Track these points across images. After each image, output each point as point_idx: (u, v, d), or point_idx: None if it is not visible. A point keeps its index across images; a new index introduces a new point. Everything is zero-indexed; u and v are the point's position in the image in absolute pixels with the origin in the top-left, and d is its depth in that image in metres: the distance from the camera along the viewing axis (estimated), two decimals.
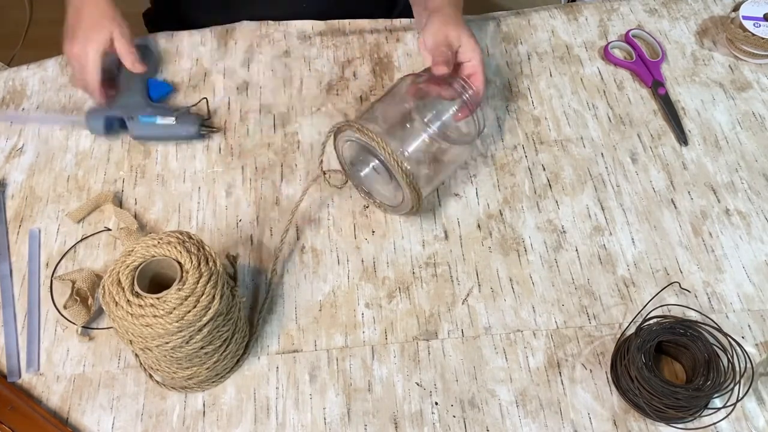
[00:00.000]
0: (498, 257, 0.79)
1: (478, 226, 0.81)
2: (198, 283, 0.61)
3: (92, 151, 0.89)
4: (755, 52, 0.93)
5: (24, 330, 0.75)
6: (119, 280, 0.61)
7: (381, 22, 1.01)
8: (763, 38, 0.91)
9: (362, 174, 0.81)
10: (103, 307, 0.62)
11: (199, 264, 0.62)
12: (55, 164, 0.88)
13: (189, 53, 0.98)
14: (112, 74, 0.89)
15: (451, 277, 0.78)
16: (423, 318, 0.75)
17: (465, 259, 0.79)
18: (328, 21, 1.00)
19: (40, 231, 0.82)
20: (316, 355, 0.73)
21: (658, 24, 1.00)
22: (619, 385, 0.69)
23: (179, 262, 0.62)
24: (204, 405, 0.70)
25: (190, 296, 0.60)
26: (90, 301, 0.75)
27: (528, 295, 0.76)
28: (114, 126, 0.88)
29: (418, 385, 0.71)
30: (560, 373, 0.71)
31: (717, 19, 1.00)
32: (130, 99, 0.88)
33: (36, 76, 0.97)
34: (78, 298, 0.74)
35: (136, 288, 0.61)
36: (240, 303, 0.69)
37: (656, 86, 0.91)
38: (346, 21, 1.01)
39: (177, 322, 0.60)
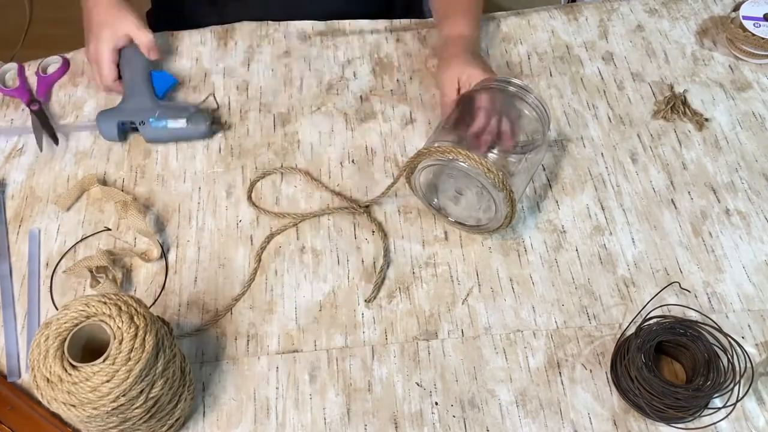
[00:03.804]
0: (498, 257, 0.79)
1: None
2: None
3: (92, 152, 0.89)
4: (755, 52, 0.93)
5: (24, 330, 0.75)
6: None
7: (381, 23, 1.01)
8: (763, 38, 0.91)
9: (440, 198, 0.80)
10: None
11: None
12: (54, 164, 0.88)
13: (189, 53, 0.98)
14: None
15: (451, 277, 0.77)
16: (423, 318, 0.75)
17: (465, 259, 0.79)
18: (328, 21, 1.00)
19: (40, 231, 0.82)
20: (316, 355, 0.73)
21: (658, 24, 1.00)
22: (619, 385, 0.69)
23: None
24: (204, 405, 0.70)
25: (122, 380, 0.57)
26: (113, 275, 0.76)
27: (528, 295, 0.76)
28: (126, 129, 0.89)
29: (418, 385, 0.71)
30: (560, 373, 0.71)
31: (717, 19, 1.00)
32: (138, 101, 0.88)
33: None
34: (104, 275, 0.76)
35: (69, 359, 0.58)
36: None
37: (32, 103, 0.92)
38: (346, 21, 1.01)
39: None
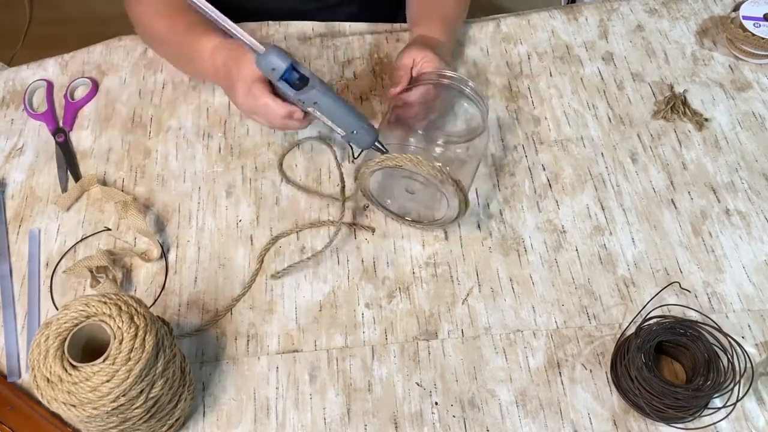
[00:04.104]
0: (498, 257, 0.79)
1: (478, 226, 0.81)
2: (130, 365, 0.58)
3: (92, 151, 0.89)
4: (755, 52, 0.93)
5: (24, 330, 0.75)
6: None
7: (381, 25, 1.01)
8: (763, 38, 0.91)
9: (390, 200, 0.80)
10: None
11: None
12: (54, 164, 0.88)
13: None
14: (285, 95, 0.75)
15: (451, 277, 0.78)
16: (423, 318, 0.75)
17: (465, 259, 0.79)
18: (329, 23, 1.00)
19: (40, 231, 0.82)
20: (316, 355, 0.73)
21: (658, 24, 1.00)
22: (619, 385, 0.69)
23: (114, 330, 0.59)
24: (204, 405, 0.70)
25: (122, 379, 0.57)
26: (113, 274, 0.76)
27: (528, 295, 0.76)
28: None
29: (418, 385, 0.71)
30: (560, 373, 0.71)
31: (717, 19, 1.00)
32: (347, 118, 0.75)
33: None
34: (104, 275, 0.76)
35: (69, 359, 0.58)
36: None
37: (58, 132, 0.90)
38: (347, 24, 1.01)
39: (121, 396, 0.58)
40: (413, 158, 0.70)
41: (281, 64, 0.70)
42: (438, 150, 0.76)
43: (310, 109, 0.74)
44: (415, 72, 0.81)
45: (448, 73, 0.79)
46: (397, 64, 0.82)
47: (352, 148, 0.77)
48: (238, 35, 0.69)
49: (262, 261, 0.79)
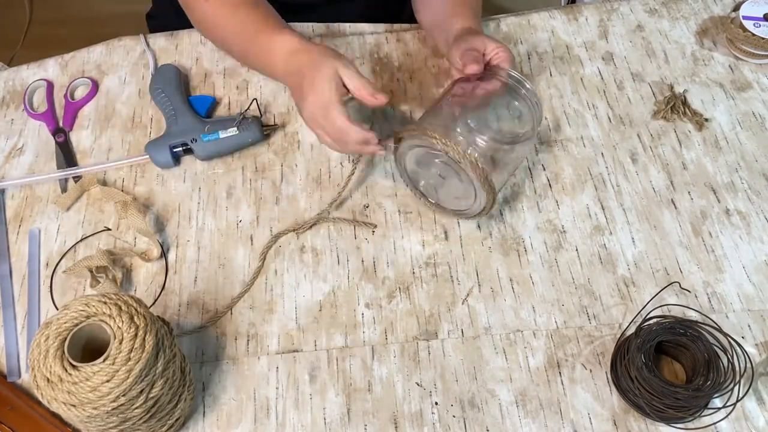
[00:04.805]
0: (498, 257, 0.79)
1: (478, 226, 0.81)
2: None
3: (92, 151, 0.89)
4: (755, 52, 0.93)
5: (24, 330, 0.75)
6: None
7: (381, 25, 1.01)
8: (763, 38, 0.91)
9: (425, 183, 0.80)
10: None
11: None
12: (54, 164, 0.88)
13: (189, 53, 0.98)
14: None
15: (451, 277, 0.78)
16: (423, 318, 0.75)
17: (465, 259, 0.79)
18: (330, 24, 1.00)
19: (40, 231, 0.82)
20: (316, 355, 0.73)
21: (658, 24, 1.00)
22: (619, 385, 0.69)
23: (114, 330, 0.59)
24: (204, 405, 0.70)
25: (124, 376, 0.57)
26: (113, 274, 0.76)
27: (528, 295, 0.76)
28: (179, 153, 0.86)
29: (418, 385, 0.71)
30: (560, 373, 0.71)
31: (717, 19, 1.00)
32: (184, 122, 0.87)
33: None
34: (104, 275, 0.76)
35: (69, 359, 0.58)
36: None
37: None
38: (347, 24, 1.01)
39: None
40: (450, 144, 0.70)
41: (166, 159, 0.84)
42: (481, 143, 0.76)
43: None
44: (488, 60, 0.80)
45: (517, 75, 0.79)
46: (472, 45, 0.79)
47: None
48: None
49: (264, 259, 0.79)
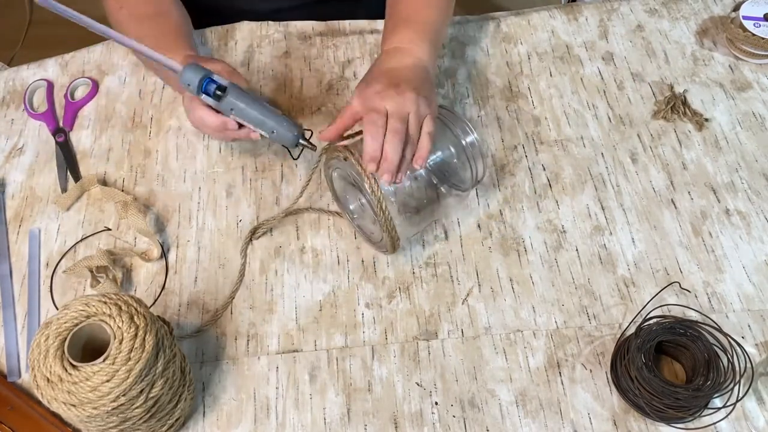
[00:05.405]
0: (498, 257, 0.79)
1: (478, 226, 0.81)
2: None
3: (92, 151, 0.89)
4: (755, 52, 0.93)
5: (24, 330, 0.75)
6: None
7: (380, 23, 1.01)
8: (763, 38, 0.91)
9: (351, 207, 0.79)
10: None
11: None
12: (54, 164, 0.88)
13: None
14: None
15: (451, 277, 0.78)
16: (423, 318, 0.75)
17: (465, 259, 0.79)
18: (329, 22, 1.00)
19: (40, 231, 0.82)
20: (316, 355, 0.73)
21: (658, 24, 1.00)
22: (619, 385, 0.69)
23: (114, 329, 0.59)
24: (204, 405, 0.70)
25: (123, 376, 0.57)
26: (113, 274, 0.76)
27: (528, 295, 0.76)
28: (210, 90, 0.74)
29: (418, 385, 0.71)
30: (560, 373, 0.71)
31: (717, 19, 1.00)
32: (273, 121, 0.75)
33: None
34: (104, 275, 0.76)
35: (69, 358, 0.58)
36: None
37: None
38: (347, 22, 1.01)
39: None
40: (366, 175, 0.67)
41: (194, 79, 0.73)
42: (405, 183, 0.72)
43: (232, 117, 0.75)
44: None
45: (468, 127, 0.74)
46: (372, 105, 0.71)
47: (289, 150, 0.77)
48: (154, 57, 0.72)
49: (245, 255, 0.79)
